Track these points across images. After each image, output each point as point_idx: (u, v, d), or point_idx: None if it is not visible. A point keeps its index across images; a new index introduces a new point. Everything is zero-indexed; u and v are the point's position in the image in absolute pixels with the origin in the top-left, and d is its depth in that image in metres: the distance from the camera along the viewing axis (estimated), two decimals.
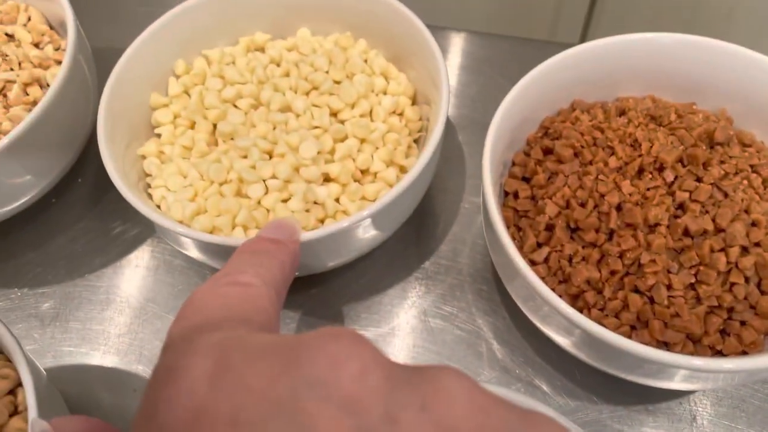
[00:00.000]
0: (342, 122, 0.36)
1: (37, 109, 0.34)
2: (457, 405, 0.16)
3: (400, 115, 0.38)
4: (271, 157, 0.35)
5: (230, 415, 0.16)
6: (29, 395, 0.26)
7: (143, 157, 0.36)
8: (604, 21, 0.73)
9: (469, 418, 0.15)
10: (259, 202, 0.33)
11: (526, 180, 0.35)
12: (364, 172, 0.36)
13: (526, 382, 0.35)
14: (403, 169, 0.36)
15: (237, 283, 0.23)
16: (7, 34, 0.40)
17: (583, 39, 0.75)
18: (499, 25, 0.57)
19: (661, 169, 0.32)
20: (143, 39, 0.37)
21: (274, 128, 0.36)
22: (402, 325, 0.37)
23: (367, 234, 0.33)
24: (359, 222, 0.31)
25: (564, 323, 0.30)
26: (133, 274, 0.39)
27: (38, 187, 0.38)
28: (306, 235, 0.30)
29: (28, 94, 0.38)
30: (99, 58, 0.41)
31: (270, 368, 0.16)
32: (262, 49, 0.41)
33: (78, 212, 0.41)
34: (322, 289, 0.38)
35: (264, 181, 0.33)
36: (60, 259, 0.40)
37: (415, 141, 0.38)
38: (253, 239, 0.26)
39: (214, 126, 0.37)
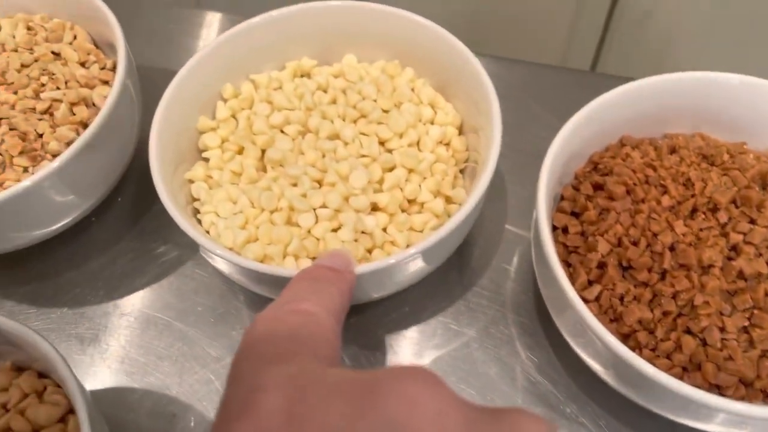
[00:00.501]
0: (390, 151, 0.36)
1: (87, 133, 0.34)
2: None
3: (447, 145, 0.38)
4: (320, 186, 0.34)
5: None
6: (83, 424, 0.26)
7: (190, 181, 0.36)
8: (615, 48, 0.73)
9: None
10: (309, 232, 0.33)
11: (575, 215, 0.35)
12: (410, 202, 0.36)
13: (570, 419, 0.34)
14: (449, 200, 0.36)
15: (300, 311, 0.22)
16: (53, 53, 0.40)
17: (594, 66, 0.76)
18: (509, 49, 0.57)
19: (714, 209, 0.32)
20: (193, 63, 0.37)
21: (323, 156, 0.35)
22: (444, 357, 0.37)
23: (416, 267, 0.33)
24: (412, 256, 0.31)
25: (615, 362, 0.30)
26: (173, 296, 0.39)
27: (82, 207, 0.38)
28: (358, 268, 0.30)
29: (74, 114, 0.38)
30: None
31: (346, 408, 0.16)
32: (308, 75, 0.41)
33: (117, 232, 0.41)
34: (362, 318, 0.38)
35: (314, 210, 0.33)
36: (99, 280, 0.40)
37: (461, 171, 0.38)
38: (312, 267, 0.26)
39: (262, 151, 0.37)
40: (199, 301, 0.39)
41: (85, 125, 0.38)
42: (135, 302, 0.39)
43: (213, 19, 0.53)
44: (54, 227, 0.38)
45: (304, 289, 0.24)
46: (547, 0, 0.68)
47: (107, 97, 0.39)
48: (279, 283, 0.31)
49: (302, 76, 0.41)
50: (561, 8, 0.70)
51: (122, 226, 0.42)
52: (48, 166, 0.34)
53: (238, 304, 0.39)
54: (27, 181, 0.33)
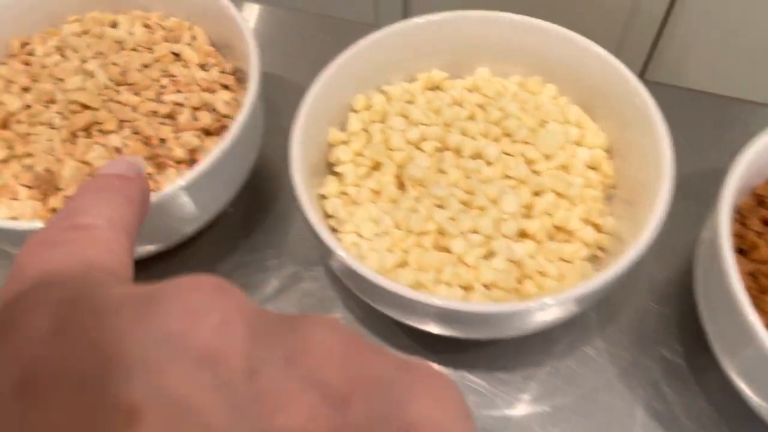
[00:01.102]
0: (536, 173, 0.34)
1: (219, 150, 0.32)
2: (327, 357, 0.14)
3: (593, 169, 0.35)
4: (467, 208, 0.32)
5: (69, 374, 0.14)
6: None
7: (322, 196, 0.34)
8: (665, 60, 0.71)
9: (341, 370, 0.14)
10: (459, 258, 0.31)
11: (742, 252, 0.32)
12: (558, 228, 0.33)
13: None
14: (598, 228, 0.34)
15: (78, 226, 0.20)
16: (173, 53, 0.38)
17: (643, 73, 0.73)
18: None
19: None
20: (328, 75, 0.34)
21: (467, 176, 0.33)
22: (581, 399, 0.34)
23: (570, 308, 0.31)
24: (575, 296, 0.28)
25: None
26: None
27: (201, 221, 0.36)
28: (510, 307, 0.27)
29: (196, 119, 0.36)
30: None
31: (120, 323, 0.14)
32: (438, 87, 0.39)
33: (230, 244, 0.39)
34: (491, 351, 0.36)
35: (464, 234, 0.31)
36: None
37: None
38: (94, 178, 0.23)
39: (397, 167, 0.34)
40: None
41: (206, 131, 0.36)
42: None
43: (251, 9, 0.51)
44: (171, 241, 0.36)
45: (85, 202, 0.21)
46: (600, 4, 0.66)
47: (239, 108, 0.37)
48: (436, 313, 0.29)
49: (432, 88, 0.39)
50: (614, 12, 0.67)
51: (234, 239, 0.39)
52: (176, 182, 0.31)
53: (352, 320, 0.36)
54: (153, 197, 0.31)
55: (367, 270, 0.28)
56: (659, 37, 0.69)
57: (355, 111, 0.37)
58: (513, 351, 0.36)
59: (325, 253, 0.30)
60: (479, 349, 0.36)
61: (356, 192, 0.34)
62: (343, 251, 0.29)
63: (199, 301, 0.15)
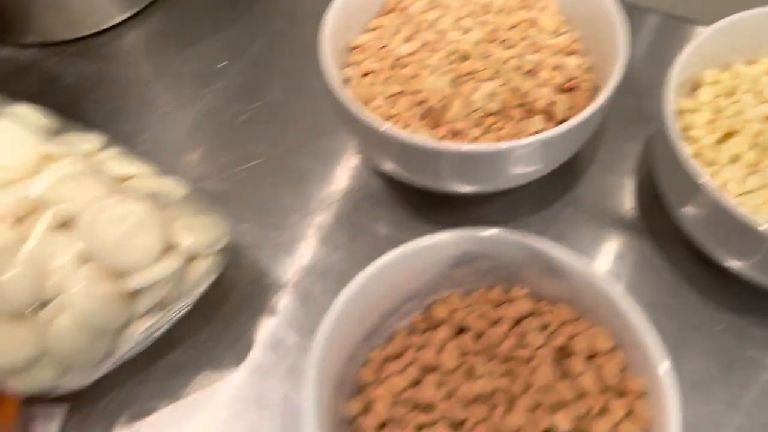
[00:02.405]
0: None
1: (589, 110, 0.36)
2: None
3: None
4: None
5: None
6: None
7: None
8: None
9: None
10: None
11: None
12: None
13: None
14: None
15: None
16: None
17: None
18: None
19: None
20: (687, 55, 0.38)
21: None
22: None
23: None
24: None
25: None
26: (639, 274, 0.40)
27: (544, 171, 0.40)
28: None
29: (552, 78, 0.41)
30: None
31: None
32: None
33: (537, 195, 0.44)
34: None
35: None
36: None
37: None
38: None
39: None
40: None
41: (562, 90, 0.41)
42: None
43: None
44: (508, 185, 0.40)
45: None
46: None
47: (585, 72, 0.41)
48: None
49: None
50: None
51: (543, 191, 0.44)
52: (543, 135, 0.36)
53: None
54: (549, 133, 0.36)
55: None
56: None
57: (705, 84, 0.40)
58: None
59: (695, 197, 0.34)
60: None
61: (713, 154, 0.37)
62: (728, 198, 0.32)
63: None
